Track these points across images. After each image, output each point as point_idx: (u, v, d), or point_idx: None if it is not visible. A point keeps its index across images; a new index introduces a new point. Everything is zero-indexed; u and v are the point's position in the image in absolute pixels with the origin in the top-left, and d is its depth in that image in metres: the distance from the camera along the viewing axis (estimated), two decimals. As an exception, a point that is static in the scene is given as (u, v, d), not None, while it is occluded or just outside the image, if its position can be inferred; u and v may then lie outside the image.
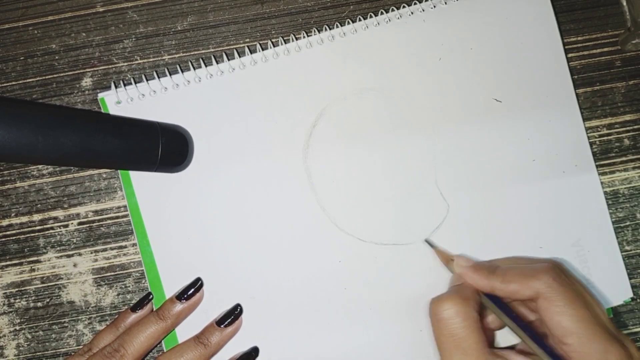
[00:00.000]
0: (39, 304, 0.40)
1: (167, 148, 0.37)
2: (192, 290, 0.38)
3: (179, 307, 0.38)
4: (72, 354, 0.38)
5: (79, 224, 0.41)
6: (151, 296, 0.39)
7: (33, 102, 0.41)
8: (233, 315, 0.38)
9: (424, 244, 0.40)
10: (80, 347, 0.40)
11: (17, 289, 0.40)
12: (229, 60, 0.40)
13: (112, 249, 0.41)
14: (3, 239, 0.40)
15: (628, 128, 0.42)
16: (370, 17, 0.41)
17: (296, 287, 0.39)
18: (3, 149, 0.33)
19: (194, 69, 0.40)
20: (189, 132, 0.39)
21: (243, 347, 0.39)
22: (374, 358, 0.40)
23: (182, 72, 0.40)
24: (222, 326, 0.38)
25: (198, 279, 0.38)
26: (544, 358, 0.33)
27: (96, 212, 0.41)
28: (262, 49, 0.40)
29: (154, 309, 0.38)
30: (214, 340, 0.37)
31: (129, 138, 0.36)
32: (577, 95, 0.41)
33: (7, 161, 0.40)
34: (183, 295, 0.38)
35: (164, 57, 0.41)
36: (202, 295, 0.38)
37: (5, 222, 0.40)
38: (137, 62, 0.41)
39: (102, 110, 0.39)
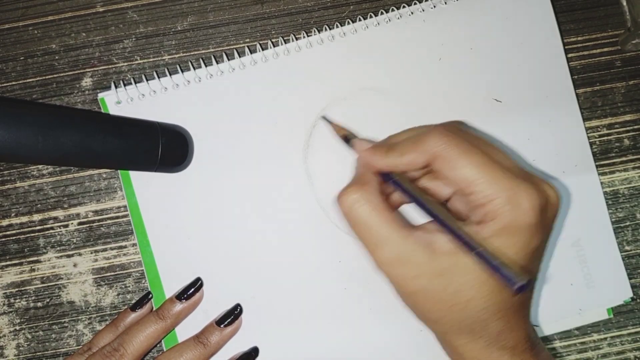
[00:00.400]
0: (39, 304, 0.40)
1: (167, 148, 0.37)
2: (192, 290, 0.38)
3: (178, 307, 0.37)
4: (72, 353, 0.38)
5: (79, 224, 0.41)
6: (151, 295, 0.39)
7: (33, 102, 0.41)
8: (233, 315, 0.38)
9: (322, 121, 0.39)
10: (80, 347, 0.40)
11: (17, 289, 0.40)
12: (229, 60, 0.40)
13: (112, 249, 0.41)
14: (3, 239, 0.40)
15: (628, 128, 0.42)
16: (370, 17, 0.41)
17: (296, 287, 0.39)
18: (3, 149, 0.33)
19: (194, 69, 0.40)
20: (189, 132, 0.39)
21: (243, 347, 0.39)
22: (374, 358, 0.40)
23: (182, 72, 0.40)
24: (221, 326, 0.38)
25: (198, 279, 0.39)
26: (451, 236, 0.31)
27: (96, 212, 0.41)
28: (262, 49, 0.40)
29: (154, 309, 0.38)
30: (214, 340, 0.37)
31: (129, 138, 0.36)
32: (577, 95, 0.41)
33: (7, 161, 0.40)
34: (183, 295, 0.38)
35: (164, 57, 0.41)
36: (202, 295, 0.38)
37: (5, 222, 0.40)
38: (137, 62, 0.41)
39: (102, 110, 0.39)
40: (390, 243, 0.32)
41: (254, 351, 0.39)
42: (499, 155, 0.32)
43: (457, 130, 0.33)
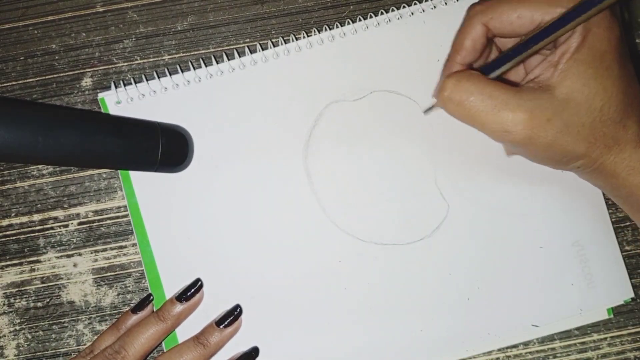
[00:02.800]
0: (39, 304, 0.40)
1: (167, 148, 0.37)
2: (192, 290, 0.38)
3: (179, 308, 0.38)
4: (75, 355, 0.38)
5: (79, 224, 0.41)
6: (151, 297, 0.39)
7: (33, 102, 0.41)
8: (232, 315, 0.38)
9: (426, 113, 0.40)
10: (81, 347, 0.40)
11: (17, 289, 0.40)
12: (229, 60, 0.40)
13: (112, 249, 0.41)
14: (3, 239, 0.40)
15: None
16: (370, 17, 0.41)
17: (296, 287, 0.39)
18: (3, 148, 0.33)
19: (194, 69, 0.40)
20: (189, 132, 0.39)
21: (243, 347, 0.39)
22: (374, 358, 0.40)
23: (182, 72, 0.40)
24: (221, 327, 0.38)
25: (198, 280, 0.39)
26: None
27: (96, 212, 0.41)
28: (262, 49, 0.40)
29: (154, 310, 0.38)
30: (214, 340, 0.37)
31: (129, 138, 0.36)
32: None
33: (7, 161, 0.40)
34: (183, 296, 0.38)
35: (164, 57, 0.41)
36: (202, 295, 0.38)
37: (5, 222, 0.40)
38: (137, 62, 0.41)
39: (102, 111, 0.39)
40: (509, 104, 0.33)
41: (254, 351, 0.39)
42: None
43: None
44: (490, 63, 0.35)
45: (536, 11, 0.33)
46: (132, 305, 0.39)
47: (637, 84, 0.34)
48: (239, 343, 0.39)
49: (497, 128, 0.33)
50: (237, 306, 0.39)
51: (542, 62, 0.34)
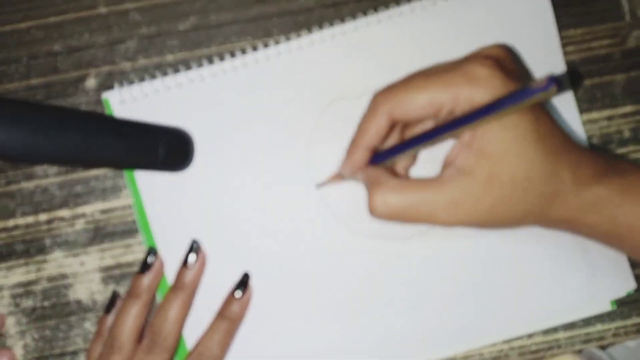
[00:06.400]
0: (46, 303, 0.40)
1: (167, 152, 0.38)
2: (150, 259, 0.39)
3: (146, 280, 0.38)
4: None
5: (86, 222, 0.41)
6: (117, 295, 0.39)
7: (37, 103, 0.41)
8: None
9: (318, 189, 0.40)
10: (87, 345, 0.40)
11: (23, 289, 0.40)
12: (231, 59, 0.40)
13: (118, 247, 0.41)
14: (9, 240, 0.41)
15: (628, 119, 0.43)
16: (371, 14, 0.41)
17: (299, 284, 0.40)
18: (8, 149, 0.33)
19: (197, 68, 0.40)
20: (191, 134, 0.39)
21: (243, 347, 0.39)
22: (375, 354, 0.40)
23: (186, 71, 0.40)
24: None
25: (149, 249, 0.39)
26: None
27: (102, 211, 0.41)
28: (265, 48, 0.41)
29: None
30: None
31: (130, 141, 0.37)
32: (575, 88, 0.42)
33: (10, 161, 0.40)
34: (144, 268, 0.38)
35: (167, 58, 0.42)
36: (162, 261, 0.39)
37: (11, 223, 0.41)
38: (140, 62, 0.42)
39: (106, 111, 0.40)
40: (434, 203, 0.33)
41: (245, 277, 0.39)
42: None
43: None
44: (389, 150, 0.36)
45: (445, 97, 0.33)
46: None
47: (558, 129, 0.34)
48: (239, 343, 0.39)
49: (437, 222, 0.34)
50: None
51: (456, 144, 0.34)
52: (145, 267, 0.38)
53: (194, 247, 0.39)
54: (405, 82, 0.35)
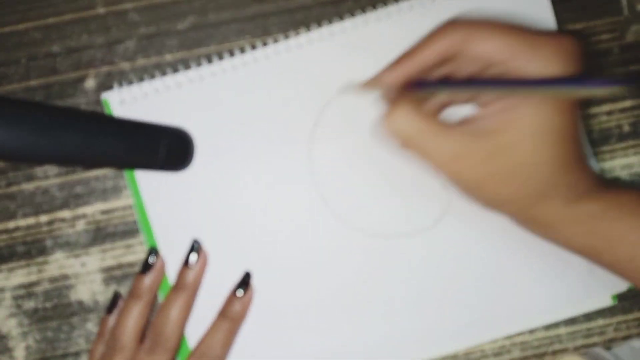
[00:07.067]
0: (48, 305, 0.40)
1: (168, 152, 0.38)
2: (151, 259, 0.39)
3: (147, 280, 0.38)
4: None
5: (87, 223, 0.41)
6: (119, 295, 0.39)
7: (36, 102, 0.41)
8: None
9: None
10: (89, 346, 0.40)
11: (25, 290, 0.40)
12: (230, 58, 0.40)
13: (119, 247, 0.41)
14: (10, 241, 0.41)
15: (628, 114, 0.43)
16: (370, 12, 0.41)
17: (300, 283, 0.40)
18: (7, 149, 0.33)
19: (196, 67, 0.40)
20: (191, 134, 0.39)
21: (243, 347, 0.39)
22: (377, 352, 0.40)
23: (185, 71, 0.40)
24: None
25: (150, 249, 0.39)
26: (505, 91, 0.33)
27: (103, 212, 0.41)
28: (264, 46, 0.40)
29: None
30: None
31: (130, 141, 0.36)
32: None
33: (10, 161, 0.40)
34: (145, 268, 0.38)
35: (166, 57, 0.42)
36: (163, 262, 0.39)
37: (12, 224, 0.41)
38: (139, 62, 0.42)
39: (106, 111, 0.40)
40: (441, 145, 0.33)
41: (247, 276, 0.39)
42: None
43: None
44: (434, 81, 0.35)
45: (522, 49, 0.33)
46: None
47: (580, 141, 0.35)
48: (239, 343, 0.39)
49: (432, 162, 0.34)
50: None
51: (490, 105, 0.34)
52: (146, 267, 0.38)
53: (195, 247, 0.39)
54: (488, 20, 0.35)
